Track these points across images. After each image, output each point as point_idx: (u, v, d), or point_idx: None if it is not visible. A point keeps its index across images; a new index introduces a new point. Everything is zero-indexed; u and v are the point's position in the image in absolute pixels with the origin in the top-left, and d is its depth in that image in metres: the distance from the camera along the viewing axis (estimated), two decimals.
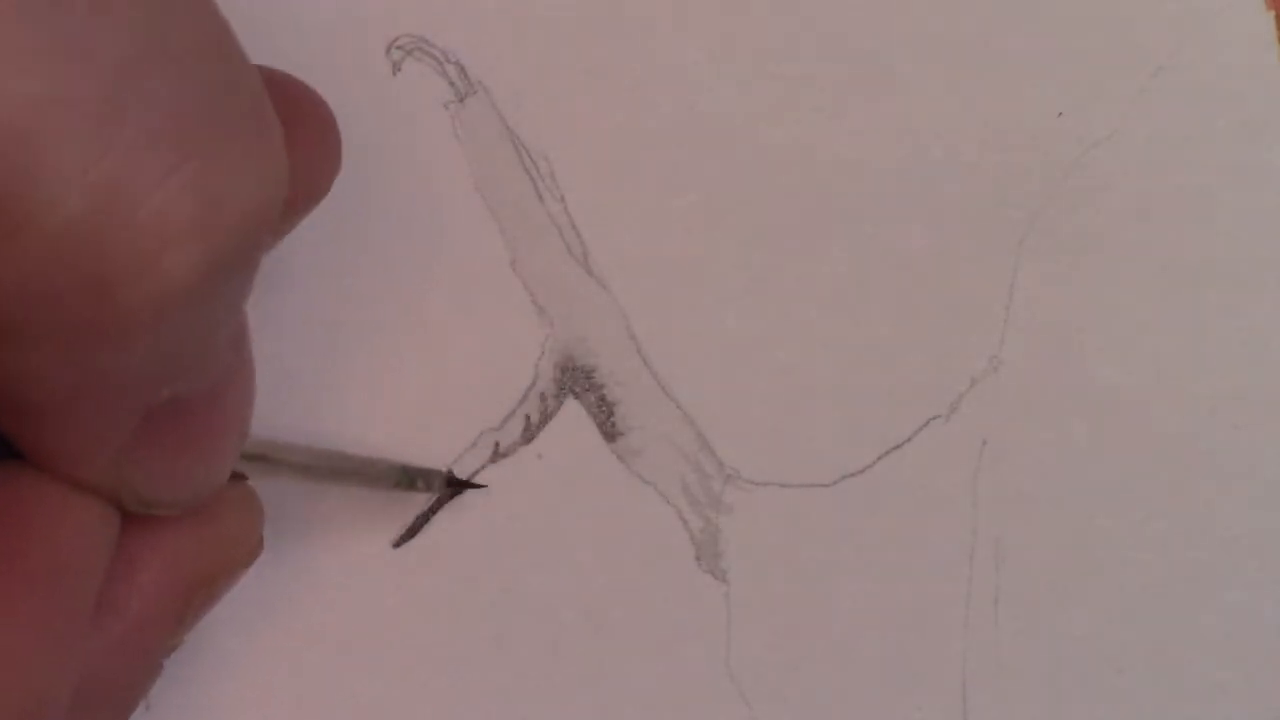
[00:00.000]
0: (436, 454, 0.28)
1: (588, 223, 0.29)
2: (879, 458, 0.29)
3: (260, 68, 0.18)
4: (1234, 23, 0.30)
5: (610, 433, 0.28)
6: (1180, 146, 0.29)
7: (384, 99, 0.27)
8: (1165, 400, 0.29)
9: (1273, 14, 0.30)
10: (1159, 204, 0.29)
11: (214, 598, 0.23)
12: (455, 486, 0.28)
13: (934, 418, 0.29)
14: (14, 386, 0.17)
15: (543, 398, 0.28)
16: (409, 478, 0.27)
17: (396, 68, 0.28)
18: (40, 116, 0.15)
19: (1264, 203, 0.30)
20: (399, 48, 0.28)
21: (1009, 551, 0.29)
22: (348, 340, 0.28)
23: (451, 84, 0.28)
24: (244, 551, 0.23)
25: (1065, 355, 0.29)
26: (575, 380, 0.28)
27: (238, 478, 0.23)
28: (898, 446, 0.29)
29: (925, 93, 0.29)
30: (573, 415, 0.28)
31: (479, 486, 0.28)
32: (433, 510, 0.28)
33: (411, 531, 0.28)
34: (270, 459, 0.25)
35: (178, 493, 0.20)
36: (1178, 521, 0.29)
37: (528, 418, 0.28)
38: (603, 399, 0.28)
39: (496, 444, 0.28)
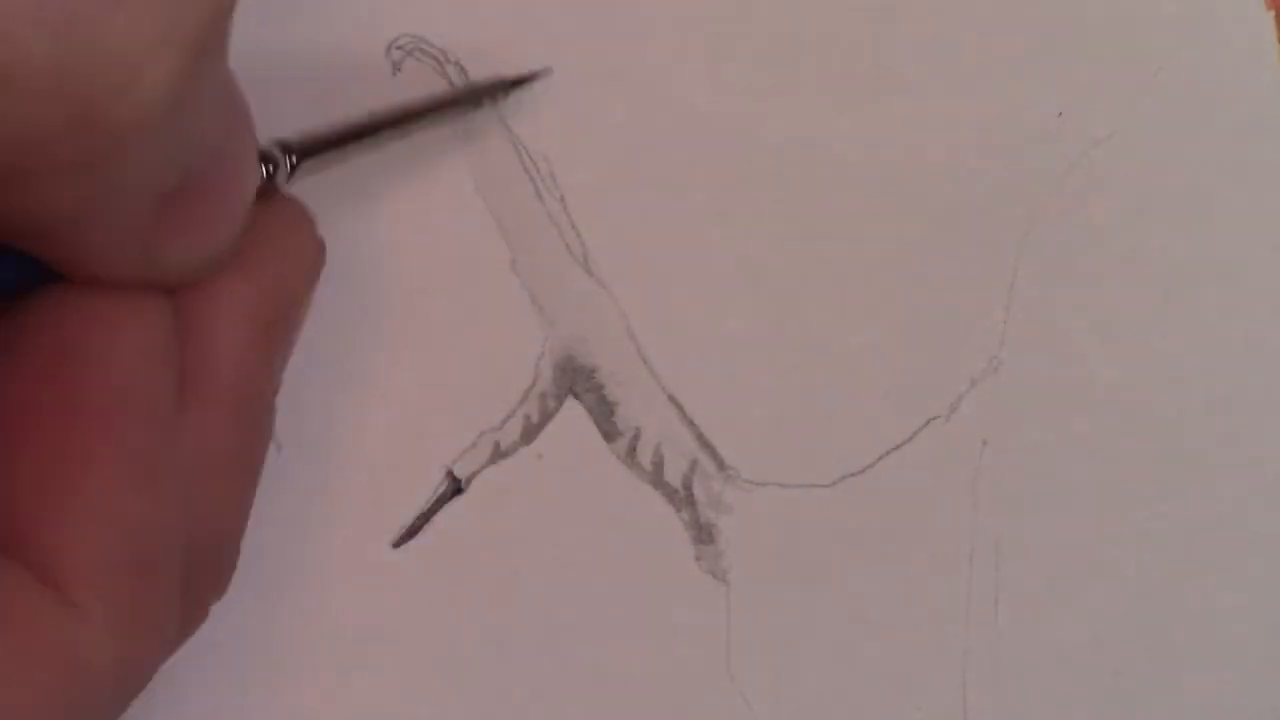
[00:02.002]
0: (436, 454, 0.28)
1: (588, 223, 0.29)
2: (879, 458, 0.29)
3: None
4: (1234, 23, 0.30)
5: (610, 433, 0.28)
6: (1180, 146, 0.29)
7: (384, 99, 0.27)
8: (1165, 400, 0.29)
9: (1273, 14, 0.30)
10: (1159, 204, 0.29)
11: (292, 324, 0.23)
12: (514, 85, 0.28)
13: (934, 418, 0.29)
14: (37, 214, 0.18)
15: (543, 398, 0.28)
16: (472, 98, 0.27)
17: (396, 68, 0.28)
18: None
19: (1263, 203, 0.30)
20: (399, 48, 0.28)
21: (1009, 551, 0.29)
22: (348, 340, 0.28)
23: (451, 84, 0.28)
24: (303, 263, 0.23)
25: (1065, 355, 0.29)
26: (575, 380, 0.28)
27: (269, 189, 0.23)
28: (898, 446, 0.29)
29: (925, 93, 0.29)
30: (573, 415, 0.28)
31: (534, 77, 0.28)
32: (433, 510, 0.28)
33: (411, 532, 0.28)
34: (336, 140, 0.24)
35: (208, 252, 0.21)
36: (1178, 521, 0.29)
37: (528, 418, 0.28)
38: (603, 399, 0.28)
39: (496, 444, 0.28)
